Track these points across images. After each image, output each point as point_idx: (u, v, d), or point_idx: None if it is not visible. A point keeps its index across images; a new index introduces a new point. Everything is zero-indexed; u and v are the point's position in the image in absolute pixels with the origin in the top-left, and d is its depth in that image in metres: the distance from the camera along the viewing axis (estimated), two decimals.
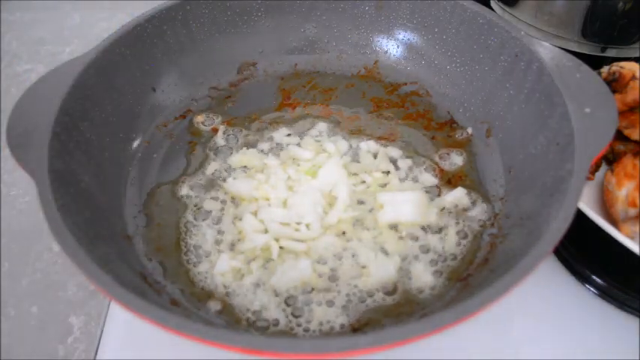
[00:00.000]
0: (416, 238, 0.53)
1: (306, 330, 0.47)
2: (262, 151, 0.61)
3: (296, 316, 0.47)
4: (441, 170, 0.58)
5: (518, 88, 0.57)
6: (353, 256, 0.51)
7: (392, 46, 0.69)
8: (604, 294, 0.51)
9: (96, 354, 0.51)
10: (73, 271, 1.33)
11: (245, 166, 0.59)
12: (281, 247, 0.52)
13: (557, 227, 0.40)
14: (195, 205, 0.56)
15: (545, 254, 0.39)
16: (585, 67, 0.51)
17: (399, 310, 0.48)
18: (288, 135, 0.63)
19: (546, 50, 0.53)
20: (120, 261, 0.48)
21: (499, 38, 0.58)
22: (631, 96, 0.55)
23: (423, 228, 0.53)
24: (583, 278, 0.52)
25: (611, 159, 0.55)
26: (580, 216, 0.46)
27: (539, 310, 0.51)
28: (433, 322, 0.35)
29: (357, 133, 0.63)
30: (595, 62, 0.56)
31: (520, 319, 0.51)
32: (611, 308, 0.51)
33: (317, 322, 0.47)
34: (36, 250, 1.45)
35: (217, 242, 0.53)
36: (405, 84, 0.68)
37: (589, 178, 0.54)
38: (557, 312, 0.51)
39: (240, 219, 0.54)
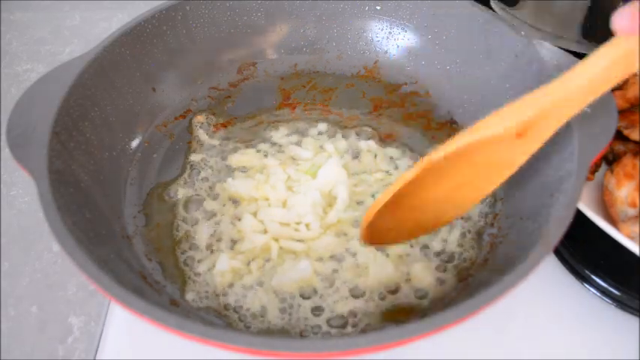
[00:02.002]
0: (415, 239, 0.52)
1: (306, 330, 0.47)
2: (261, 151, 0.61)
3: (295, 316, 0.47)
4: None
5: (518, 88, 0.56)
6: (353, 255, 0.51)
7: (392, 46, 0.69)
8: (604, 294, 0.51)
9: (96, 354, 0.51)
10: (73, 271, 1.33)
11: (244, 167, 0.59)
12: (280, 248, 0.52)
13: (557, 227, 0.40)
14: (194, 205, 0.56)
15: (545, 254, 0.39)
16: None
17: (398, 311, 0.48)
18: (288, 135, 0.63)
19: (546, 50, 0.53)
20: (119, 261, 0.48)
21: (499, 38, 0.58)
22: (632, 92, 0.55)
23: None
24: (583, 278, 0.52)
25: (610, 159, 0.55)
26: (580, 216, 0.46)
27: (539, 310, 0.51)
28: (433, 322, 0.35)
29: (356, 133, 0.63)
30: None
31: (520, 319, 0.51)
32: (611, 308, 0.51)
33: (316, 323, 0.47)
34: (36, 250, 1.45)
35: (217, 242, 0.53)
36: (405, 84, 0.67)
37: (589, 179, 0.54)
38: (557, 312, 0.51)
39: (240, 219, 0.54)
